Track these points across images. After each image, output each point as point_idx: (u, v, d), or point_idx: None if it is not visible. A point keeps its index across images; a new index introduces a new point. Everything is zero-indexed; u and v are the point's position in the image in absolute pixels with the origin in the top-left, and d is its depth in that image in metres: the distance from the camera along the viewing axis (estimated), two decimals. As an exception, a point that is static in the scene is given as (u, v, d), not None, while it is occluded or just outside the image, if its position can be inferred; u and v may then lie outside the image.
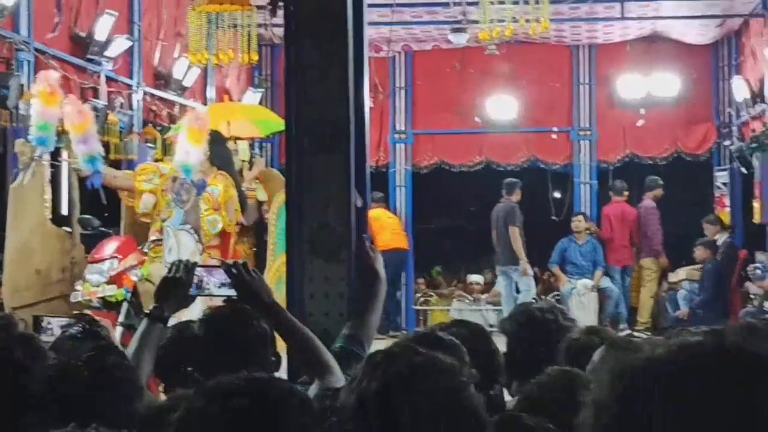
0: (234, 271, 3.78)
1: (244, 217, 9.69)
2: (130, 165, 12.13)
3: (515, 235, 14.75)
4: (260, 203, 9.93)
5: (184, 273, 3.78)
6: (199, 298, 3.96)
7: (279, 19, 5.04)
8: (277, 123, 11.02)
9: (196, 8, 7.41)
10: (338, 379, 3.49)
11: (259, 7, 7.44)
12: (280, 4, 4.82)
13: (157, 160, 11.94)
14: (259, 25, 6.85)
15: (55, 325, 4.59)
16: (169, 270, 3.80)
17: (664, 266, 15.66)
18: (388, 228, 14.84)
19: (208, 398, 2.33)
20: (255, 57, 7.95)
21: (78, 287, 8.18)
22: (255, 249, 9.55)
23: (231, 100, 15.77)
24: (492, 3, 6.61)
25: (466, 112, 17.21)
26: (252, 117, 10.80)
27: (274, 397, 2.34)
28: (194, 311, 5.90)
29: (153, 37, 13.55)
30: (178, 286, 3.79)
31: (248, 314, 3.80)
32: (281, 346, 3.97)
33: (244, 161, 9.40)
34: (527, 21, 6.66)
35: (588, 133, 17.02)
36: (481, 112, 17.15)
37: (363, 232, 4.63)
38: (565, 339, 3.78)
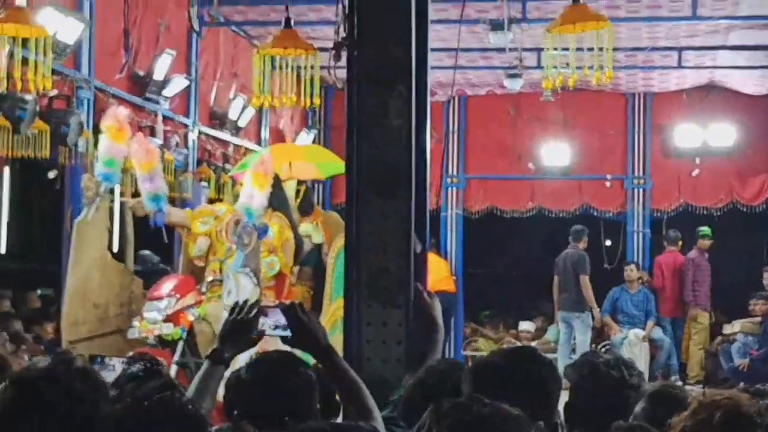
0: (290, 312, 3.76)
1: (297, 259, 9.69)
2: (184, 203, 12.22)
3: (586, 283, 14.76)
4: (319, 246, 9.92)
5: (248, 315, 3.77)
6: None
7: (341, 61, 5.04)
8: (338, 165, 11.04)
9: (261, 51, 7.44)
10: (380, 425, 3.48)
11: (321, 49, 7.47)
12: (344, 48, 4.82)
13: (211, 200, 12.01)
14: (322, 68, 6.86)
15: (114, 362, 4.60)
16: (231, 312, 3.78)
17: (713, 318, 15.47)
18: (435, 270, 14.78)
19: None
20: (317, 101, 7.97)
21: (135, 323, 8.20)
22: (312, 292, 9.53)
23: (285, 140, 15.85)
24: (555, 49, 6.57)
25: (519, 157, 17.17)
26: (313, 158, 10.82)
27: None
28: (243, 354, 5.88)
29: (210, 76, 13.65)
30: (241, 328, 3.77)
31: (296, 360, 3.78)
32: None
33: (298, 200, 9.40)
34: (591, 68, 6.61)
35: (642, 181, 16.92)
36: (534, 157, 17.11)
37: (421, 277, 4.60)
38: (640, 394, 3.77)
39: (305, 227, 9.87)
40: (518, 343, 16.35)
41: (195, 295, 8.23)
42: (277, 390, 3.68)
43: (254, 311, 3.77)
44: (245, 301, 3.86)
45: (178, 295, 8.18)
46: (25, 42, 7.20)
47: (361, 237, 4.58)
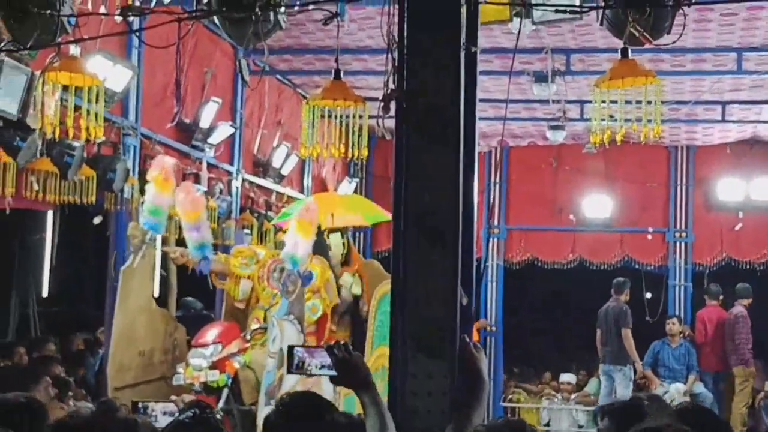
0: (334, 350, 3.87)
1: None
2: (226, 250, 12.28)
3: (629, 336, 14.75)
4: (356, 297, 9.92)
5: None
6: (294, 376, 4.02)
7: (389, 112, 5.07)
8: (380, 215, 11.08)
9: (311, 102, 7.49)
10: None
11: (367, 98, 7.52)
12: (393, 100, 4.85)
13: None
14: (370, 117, 6.91)
15: (157, 411, 4.61)
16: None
17: (755, 374, 15.30)
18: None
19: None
20: (365, 152, 8.02)
21: (180, 370, 8.24)
22: (351, 340, 9.54)
23: (327, 189, 15.92)
24: (603, 102, 6.59)
25: (561, 209, 17.15)
26: (355, 209, 10.86)
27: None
28: (286, 386, 5.90)
29: (254, 124, 13.76)
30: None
31: (323, 403, 3.84)
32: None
33: (343, 253, 9.43)
34: (638, 121, 6.61)
35: (684, 234, 16.84)
36: (575, 209, 17.09)
37: (468, 330, 4.60)
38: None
39: (346, 278, 9.89)
40: (558, 396, 16.26)
41: (240, 343, 8.25)
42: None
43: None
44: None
45: (223, 343, 8.21)
46: (76, 89, 7.30)
47: (408, 287, 4.59)
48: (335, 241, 9.77)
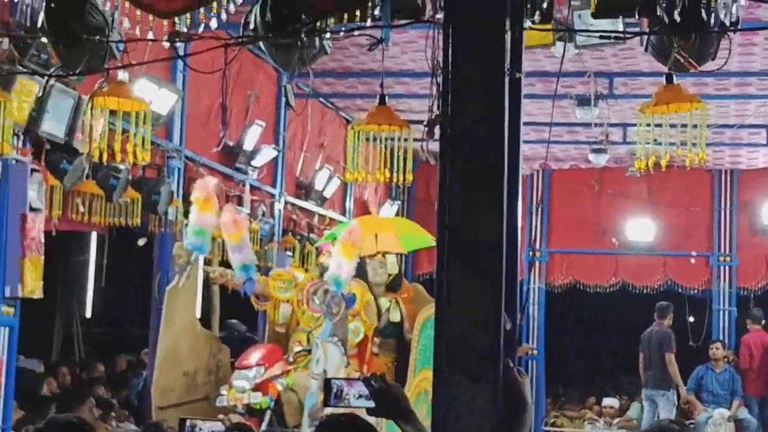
0: (371, 382, 3.89)
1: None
2: (269, 272, 12.34)
3: (672, 361, 14.70)
4: (396, 323, 9.89)
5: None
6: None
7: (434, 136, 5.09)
8: (422, 238, 11.09)
9: (356, 127, 7.54)
10: None
11: (409, 121, 7.56)
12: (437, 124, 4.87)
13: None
14: (415, 140, 6.94)
15: (205, 430, 4.65)
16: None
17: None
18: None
19: None
20: (410, 177, 8.04)
21: (223, 391, 8.27)
22: (396, 364, 9.54)
23: (369, 211, 15.95)
24: (648, 126, 6.58)
25: (603, 232, 17.09)
26: (398, 231, 10.88)
27: None
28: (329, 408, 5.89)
29: (297, 147, 13.83)
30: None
31: (365, 425, 3.86)
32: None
33: (391, 275, 9.44)
34: (683, 145, 6.60)
35: (728, 258, 16.74)
36: (618, 232, 17.03)
37: (511, 355, 4.59)
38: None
39: (383, 302, 9.89)
40: (600, 420, 16.16)
41: (282, 365, 8.27)
42: None
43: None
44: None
45: (266, 365, 8.23)
46: (124, 113, 7.39)
47: (451, 312, 4.60)
48: (391, 263, 9.80)
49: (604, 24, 6.62)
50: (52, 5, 5.74)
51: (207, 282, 9.63)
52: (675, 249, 16.86)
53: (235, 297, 9.35)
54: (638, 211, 16.90)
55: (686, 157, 6.68)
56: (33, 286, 8.48)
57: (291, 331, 9.06)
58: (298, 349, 8.32)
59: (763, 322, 15.59)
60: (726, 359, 15.32)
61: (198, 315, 9.41)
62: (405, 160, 7.80)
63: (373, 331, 9.38)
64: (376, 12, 5.35)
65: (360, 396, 3.98)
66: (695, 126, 6.62)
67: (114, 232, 10.56)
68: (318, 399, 7.89)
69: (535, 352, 16.94)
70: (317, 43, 5.94)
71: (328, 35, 5.96)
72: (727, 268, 16.73)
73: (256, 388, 8.16)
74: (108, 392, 11.37)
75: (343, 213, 15.36)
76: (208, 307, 9.88)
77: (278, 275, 8.89)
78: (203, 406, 8.21)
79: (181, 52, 7.17)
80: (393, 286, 9.94)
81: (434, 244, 14.85)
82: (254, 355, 8.40)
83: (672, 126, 6.65)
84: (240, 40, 5.86)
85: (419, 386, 8.29)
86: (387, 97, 7.80)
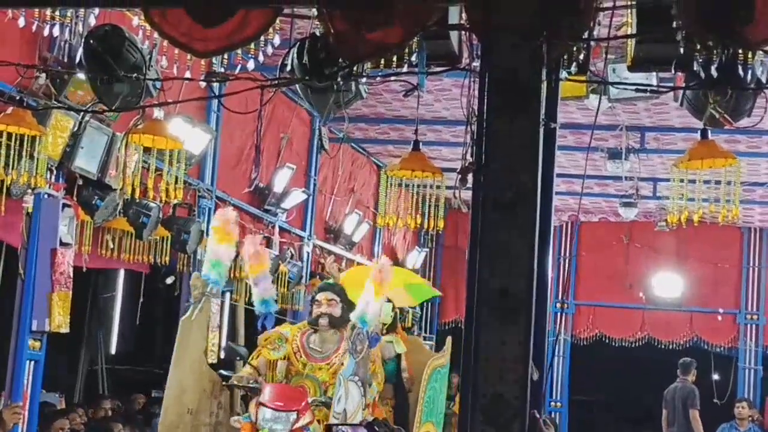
0: (376, 428, 3.89)
1: None
2: (296, 315, 12.34)
3: (696, 418, 14.56)
4: (396, 359, 9.80)
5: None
6: None
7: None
8: (426, 288, 11.08)
9: (389, 173, 7.55)
10: None
11: (444, 169, 7.57)
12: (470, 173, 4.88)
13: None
14: (448, 188, 6.95)
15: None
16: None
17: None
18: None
19: None
20: (441, 224, 8.02)
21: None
22: (393, 411, 9.38)
23: (396, 257, 15.92)
24: (681, 180, 6.57)
25: (630, 286, 17.03)
26: (403, 282, 10.72)
27: None
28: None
29: (327, 191, 13.86)
30: None
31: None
32: None
33: (385, 325, 9.37)
34: (716, 201, 6.59)
35: (755, 317, 16.64)
36: (645, 287, 16.96)
37: (538, 405, 4.58)
38: None
39: (389, 336, 9.78)
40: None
41: (310, 414, 8.07)
42: None
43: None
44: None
45: (300, 412, 8.02)
46: (158, 152, 7.43)
47: (479, 362, 4.58)
48: (386, 313, 9.72)
49: (639, 78, 6.63)
50: (91, 42, 5.80)
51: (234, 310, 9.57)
52: (702, 305, 16.77)
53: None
54: (666, 266, 16.85)
55: (718, 213, 6.65)
56: (60, 321, 8.51)
57: (291, 376, 8.80)
58: (311, 399, 8.16)
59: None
60: (751, 418, 15.15)
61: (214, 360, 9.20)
62: (437, 206, 7.79)
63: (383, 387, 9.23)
64: (413, 58, 5.38)
65: None
66: (729, 183, 6.60)
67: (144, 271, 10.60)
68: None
69: (559, 404, 16.85)
70: (353, 87, 5.97)
71: (364, 80, 6.00)
72: (754, 326, 16.63)
73: None
74: (126, 429, 11.29)
75: (371, 258, 15.35)
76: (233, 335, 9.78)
77: (266, 339, 8.71)
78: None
79: (216, 92, 7.22)
80: (389, 328, 9.81)
81: (439, 294, 14.77)
82: (292, 399, 8.14)
83: (705, 182, 6.63)
84: (276, 81, 5.90)
85: (422, 438, 8.24)
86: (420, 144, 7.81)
